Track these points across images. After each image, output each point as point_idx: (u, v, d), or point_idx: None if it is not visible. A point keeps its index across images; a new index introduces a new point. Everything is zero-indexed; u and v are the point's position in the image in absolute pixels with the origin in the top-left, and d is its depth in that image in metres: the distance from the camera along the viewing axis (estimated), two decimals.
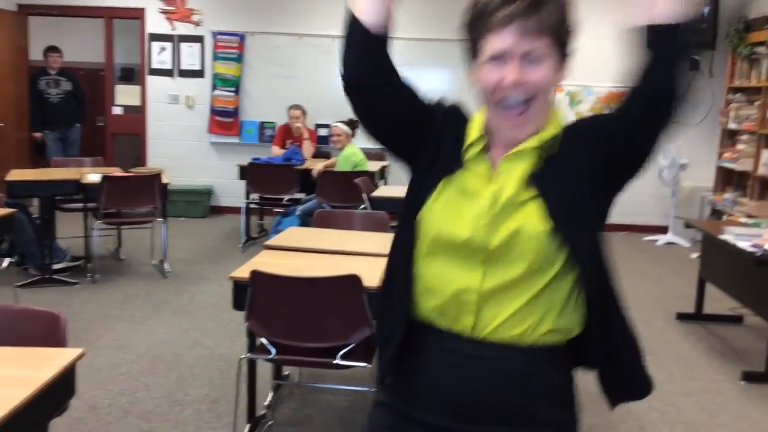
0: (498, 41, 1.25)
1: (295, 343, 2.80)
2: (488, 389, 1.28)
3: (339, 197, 5.96)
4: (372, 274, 2.81)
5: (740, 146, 7.20)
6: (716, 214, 7.56)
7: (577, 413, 1.38)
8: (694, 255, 6.58)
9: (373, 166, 6.88)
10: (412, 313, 1.35)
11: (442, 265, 1.31)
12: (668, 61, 1.20)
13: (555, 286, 1.28)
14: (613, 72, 8.25)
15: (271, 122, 8.30)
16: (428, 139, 1.38)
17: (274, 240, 3.47)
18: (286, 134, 7.43)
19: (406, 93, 1.39)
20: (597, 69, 7.64)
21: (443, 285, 1.29)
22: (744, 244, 4.07)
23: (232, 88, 8.31)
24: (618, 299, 1.36)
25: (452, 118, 1.41)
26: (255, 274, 2.70)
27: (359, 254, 3.21)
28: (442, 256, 1.31)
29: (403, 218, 1.41)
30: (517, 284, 1.26)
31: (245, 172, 6.72)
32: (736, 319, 5.09)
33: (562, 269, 1.27)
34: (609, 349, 1.35)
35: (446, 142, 1.37)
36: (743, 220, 4.97)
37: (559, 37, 1.28)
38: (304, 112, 7.37)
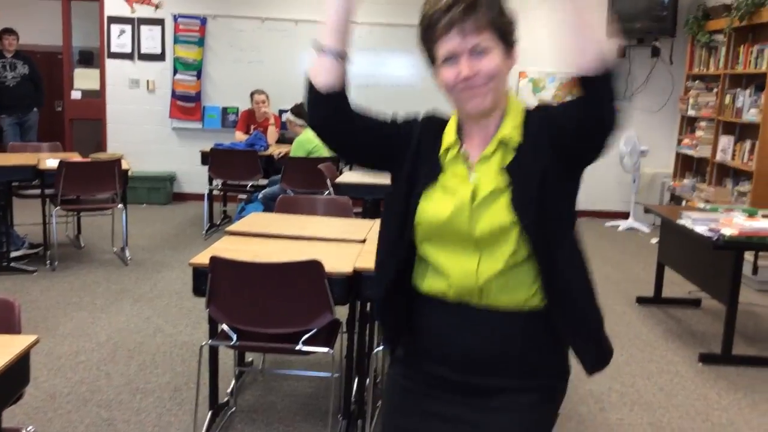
0: (446, 45, 1.45)
1: (257, 329, 2.78)
2: (488, 345, 1.51)
3: (303, 183, 5.93)
4: (335, 259, 2.80)
5: (699, 133, 7.32)
6: (676, 199, 7.69)
7: (560, 377, 1.58)
8: (654, 240, 6.70)
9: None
10: (416, 287, 1.57)
11: (447, 252, 1.51)
12: (597, 103, 1.35)
13: (527, 265, 1.49)
14: None
15: (234, 107, 8.21)
16: (406, 153, 1.56)
17: (236, 226, 3.43)
18: (250, 119, 7.36)
19: (372, 129, 1.59)
20: (560, 57, 7.70)
21: (449, 268, 1.50)
22: (701, 229, 4.15)
23: (194, 73, 8.19)
24: (582, 279, 1.54)
25: (428, 128, 1.59)
26: (215, 259, 2.67)
27: (322, 239, 3.19)
28: (443, 244, 1.51)
29: (389, 216, 1.61)
30: (504, 264, 1.47)
31: (208, 158, 6.63)
32: (694, 303, 5.20)
33: (529, 253, 1.47)
34: (573, 322, 1.52)
35: (425, 151, 1.55)
36: (701, 205, 5.06)
37: (499, 28, 1.46)
38: (268, 97, 7.31)
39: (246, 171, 6.57)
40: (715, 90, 7.02)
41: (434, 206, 1.50)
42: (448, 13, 1.43)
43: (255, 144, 6.79)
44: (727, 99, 6.74)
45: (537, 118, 1.50)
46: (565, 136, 1.42)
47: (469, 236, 1.47)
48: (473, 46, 1.43)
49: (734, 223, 4.04)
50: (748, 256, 5.48)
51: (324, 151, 6.28)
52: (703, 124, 7.29)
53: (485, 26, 1.43)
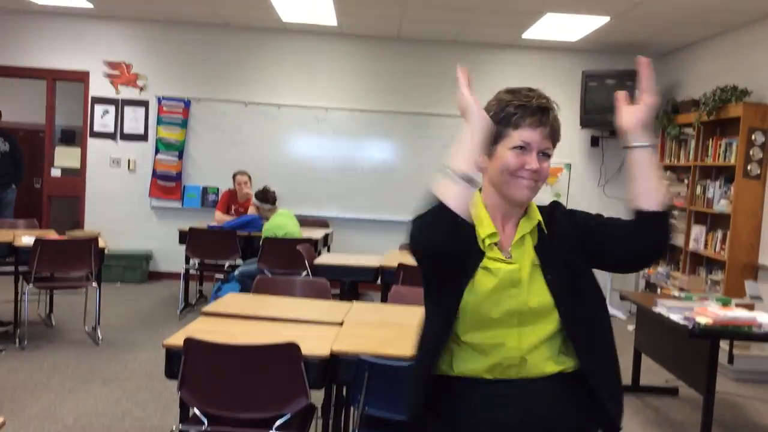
0: (527, 135, 1.66)
1: (229, 413, 2.72)
2: (535, 411, 1.63)
3: (280, 264, 5.91)
4: (312, 341, 2.78)
5: (671, 222, 7.45)
6: (651, 287, 7.76)
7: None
8: (631, 327, 6.71)
9: (317, 233, 6.88)
10: (448, 372, 1.70)
11: (488, 333, 1.66)
12: (657, 235, 1.66)
13: (558, 335, 1.68)
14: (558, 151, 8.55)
15: (215, 187, 8.26)
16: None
17: (212, 306, 3.40)
18: (231, 200, 7.39)
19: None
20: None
21: (491, 347, 1.65)
22: (676, 317, 4.18)
23: (176, 153, 8.27)
24: (607, 349, 1.72)
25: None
26: (189, 341, 2.64)
27: (299, 321, 3.17)
28: (486, 327, 1.66)
29: (435, 308, 1.74)
30: (546, 333, 1.66)
31: (186, 236, 6.62)
32: (672, 391, 5.18)
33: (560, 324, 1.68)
34: (600, 387, 1.67)
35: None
36: (675, 293, 5.12)
37: (556, 143, 1.73)
38: (250, 178, 7.37)
39: (224, 250, 6.56)
40: (686, 181, 7.21)
41: (481, 287, 1.66)
42: (542, 113, 1.67)
43: (252, 222, 6.77)
44: (698, 189, 6.92)
45: (559, 215, 1.77)
46: (613, 251, 1.70)
47: (516, 312, 1.65)
48: (546, 148, 1.69)
49: (709, 311, 4.07)
50: (724, 345, 5.51)
51: (297, 233, 6.31)
52: (675, 213, 7.44)
53: (553, 138, 1.70)
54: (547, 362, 1.66)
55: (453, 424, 1.68)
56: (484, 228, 1.71)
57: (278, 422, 2.70)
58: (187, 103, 8.27)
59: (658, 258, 1.74)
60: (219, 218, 7.18)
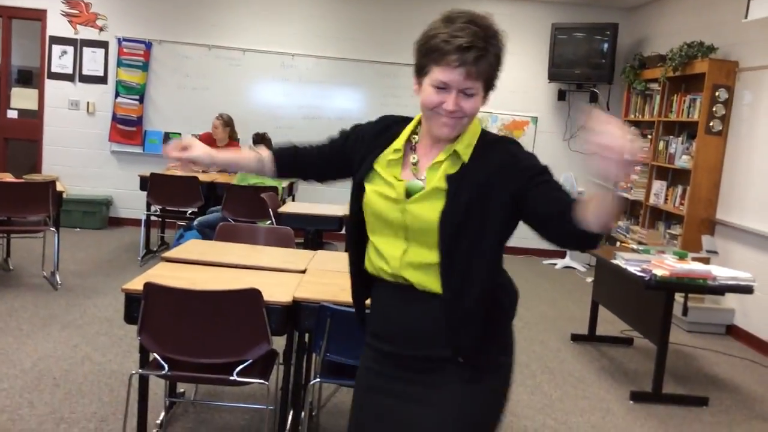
0: (445, 75, 1.60)
1: (190, 358, 2.71)
2: (419, 322, 1.70)
3: (244, 212, 5.87)
4: (274, 288, 2.77)
5: (633, 177, 7.55)
6: (610, 240, 7.89)
7: (500, 352, 1.76)
8: (590, 279, 6.84)
9: (282, 182, 6.82)
10: (368, 270, 1.80)
11: (382, 238, 1.73)
12: (582, 245, 1.59)
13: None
14: (517, 103, 8.58)
15: (177, 133, 8.09)
16: (356, 157, 1.82)
17: (173, 252, 3.35)
18: (209, 143, 7.21)
19: (320, 163, 1.98)
20: (503, 99, 7.94)
21: (386, 252, 1.72)
22: (634, 269, 4.26)
23: (137, 96, 8.07)
24: (476, 283, 1.66)
25: (383, 128, 1.83)
26: (149, 286, 2.61)
27: (262, 269, 3.15)
28: (381, 232, 1.73)
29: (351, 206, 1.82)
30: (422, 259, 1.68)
31: (147, 182, 6.50)
32: (627, 341, 5.31)
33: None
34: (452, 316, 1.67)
35: (377, 148, 1.78)
36: (634, 246, 5.21)
37: (489, 79, 1.66)
38: (226, 123, 7.16)
39: (186, 197, 6.46)
40: (649, 136, 7.28)
41: (375, 197, 1.72)
42: (463, 52, 1.58)
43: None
44: (661, 145, 6.99)
45: (501, 152, 1.68)
46: (536, 218, 1.63)
47: (401, 226, 1.68)
48: (466, 88, 1.61)
49: (665, 264, 4.16)
50: (679, 297, 5.65)
51: (268, 181, 6.24)
52: (637, 168, 7.52)
53: (482, 76, 1.62)
54: (428, 283, 1.68)
55: (372, 321, 1.82)
56: (394, 143, 1.76)
57: (239, 368, 2.71)
58: (149, 45, 8.04)
59: (573, 249, 1.76)
60: None
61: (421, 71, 1.69)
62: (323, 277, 3.09)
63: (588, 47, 8.03)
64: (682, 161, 6.48)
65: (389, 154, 1.76)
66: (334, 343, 2.68)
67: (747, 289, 4.21)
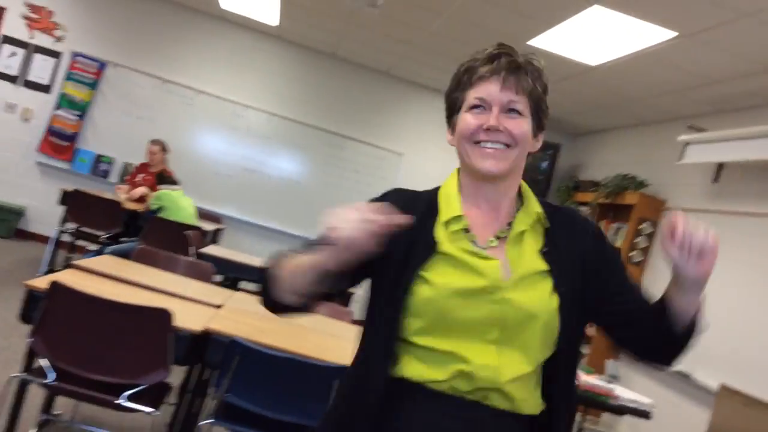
0: (481, 90, 1.33)
1: (82, 371, 2.52)
2: None
3: (165, 245, 5.65)
4: (186, 315, 2.64)
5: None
6: None
7: None
8: None
9: (208, 226, 6.67)
10: (396, 375, 1.29)
11: (452, 341, 1.27)
12: (675, 351, 1.34)
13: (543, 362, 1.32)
14: None
15: (109, 157, 7.86)
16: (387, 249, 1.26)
17: (85, 262, 3.18)
18: (142, 169, 6.99)
19: (356, 275, 1.35)
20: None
21: (467, 354, 1.26)
22: None
23: (78, 112, 7.84)
24: (572, 394, 1.38)
25: (409, 204, 1.37)
26: (56, 285, 2.45)
27: (177, 296, 3.01)
28: (445, 333, 1.28)
29: (376, 309, 1.37)
30: (535, 362, 1.30)
31: (67, 198, 6.22)
32: None
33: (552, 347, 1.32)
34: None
35: (415, 230, 1.31)
36: None
37: (536, 102, 1.35)
38: (163, 149, 6.89)
39: (105, 221, 6.20)
40: None
41: (444, 279, 1.28)
42: (493, 62, 1.33)
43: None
44: None
45: (576, 224, 1.41)
46: (619, 315, 1.36)
47: (497, 322, 1.26)
48: (509, 101, 1.32)
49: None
50: (577, 417, 5.69)
51: (194, 220, 6.09)
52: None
53: (524, 90, 1.33)
54: (526, 399, 1.29)
55: None
56: (450, 210, 1.36)
57: (131, 391, 2.54)
58: (102, 65, 7.90)
59: (655, 364, 1.41)
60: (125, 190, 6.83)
61: (453, 107, 1.40)
62: (240, 315, 2.98)
63: (529, 162, 8.28)
64: None
65: (445, 226, 1.35)
66: (238, 383, 2.55)
67: (645, 414, 4.27)
